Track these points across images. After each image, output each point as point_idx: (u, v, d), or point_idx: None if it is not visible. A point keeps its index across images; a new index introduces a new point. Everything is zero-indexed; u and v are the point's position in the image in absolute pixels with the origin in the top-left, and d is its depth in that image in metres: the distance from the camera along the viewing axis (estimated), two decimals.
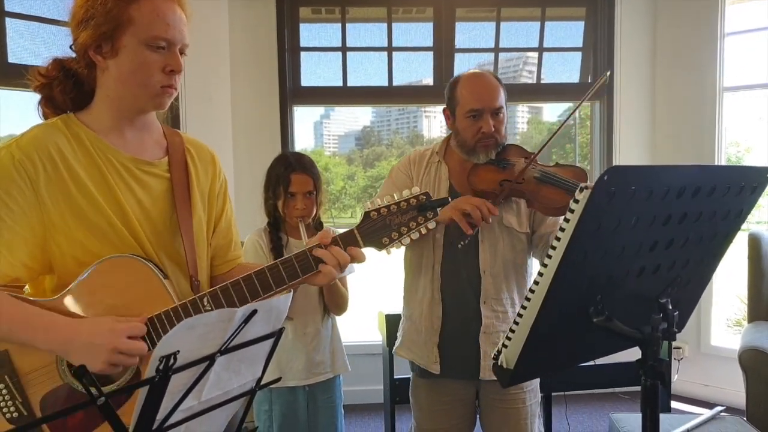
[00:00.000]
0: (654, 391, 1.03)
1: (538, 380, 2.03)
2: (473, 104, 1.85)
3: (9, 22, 2.90)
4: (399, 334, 2.08)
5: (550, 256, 0.95)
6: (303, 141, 4.01)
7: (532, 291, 0.99)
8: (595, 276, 1.01)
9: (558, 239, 0.93)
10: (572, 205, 0.91)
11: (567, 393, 3.12)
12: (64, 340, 1.11)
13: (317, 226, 2.23)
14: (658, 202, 0.96)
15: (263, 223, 2.26)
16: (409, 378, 2.37)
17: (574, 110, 2.04)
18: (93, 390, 0.77)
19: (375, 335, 3.23)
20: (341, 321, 2.33)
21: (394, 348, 2.09)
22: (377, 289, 3.81)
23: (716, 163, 3.82)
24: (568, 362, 1.20)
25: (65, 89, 1.28)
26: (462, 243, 1.80)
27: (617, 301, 1.05)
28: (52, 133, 1.23)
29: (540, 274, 0.97)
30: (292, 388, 2.15)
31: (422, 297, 1.95)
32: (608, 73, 1.86)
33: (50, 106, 1.30)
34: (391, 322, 2.58)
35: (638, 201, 0.93)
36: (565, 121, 1.95)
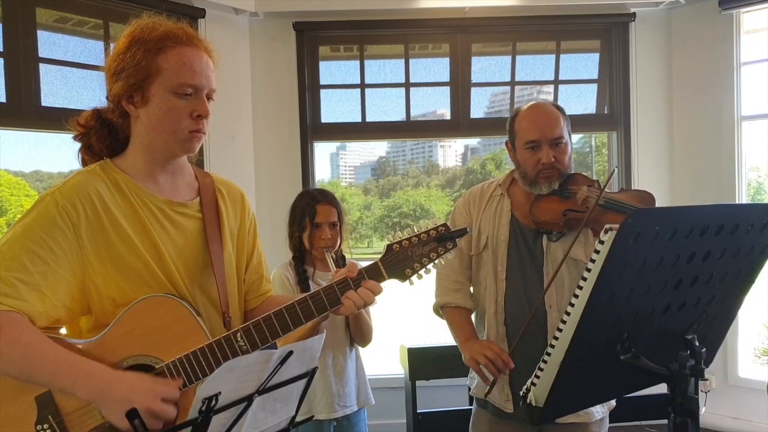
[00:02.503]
0: (684, 429, 1.03)
1: (607, 415, 1.95)
2: (531, 135, 1.83)
3: (42, 67, 3.02)
4: (472, 374, 1.98)
5: (576, 296, 0.97)
6: (320, 172, 4.07)
7: (559, 330, 1.01)
8: (621, 314, 1.02)
9: (584, 279, 0.96)
10: (597, 246, 0.93)
11: None
12: (103, 389, 1.13)
13: (339, 259, 2.27)
14: (682, 241, 0.99)
15: (285, 256, 2.30)
16: (432, 412, 2.37)
17: (603, 188, 1.79)
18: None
19: (396, 368, 3.23)
20: (362, 353, 2.35)
21: (472, 390, 2.00)
22: (398, 321, 3.81)
23: (737, 190, 3.81)
24: (596, 399, 1.20)
25: (101, 137, 1.35)
26: (485, 396, 1.77)
27: (644, 338, 1.06)
28: (92, 179, 1.28)
29: (567, 313, 0.99)
30: (320, 422, 2.16)
31: (487, 332, 1.90)
32: (616, 168, 1.85)
33: (89, 153, 1.37)
34: (414, 355, 2.58)
35: (662, 241, 0.95)
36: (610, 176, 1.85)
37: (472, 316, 1.99)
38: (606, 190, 1.79)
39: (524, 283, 1.85)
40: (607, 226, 0.92)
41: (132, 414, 0.77)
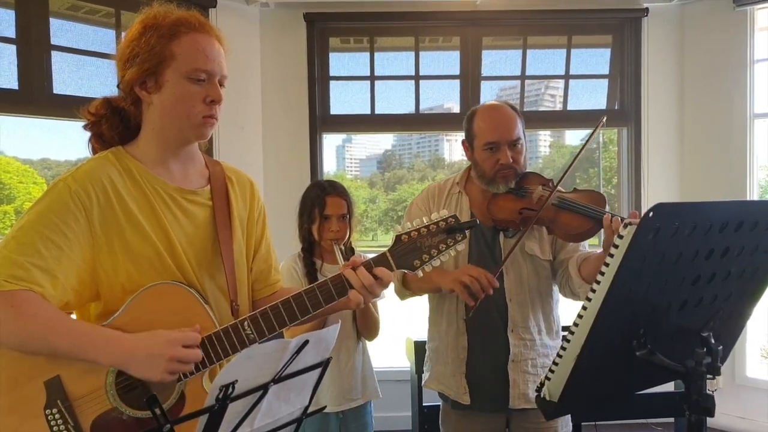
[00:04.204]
0: (699, 427, 1.03)
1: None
2: (490, 137, 1.88)
3: (54, 55, 3.03)
4: (426, 367, 2.08)
5: (594, 290, 0.97)
6: (326, 165, 4.10)
7: (576, 324, 1.00)
8: (638, 309, 1.02)
9: (602, 273, 0.95)
10: (617, 241, 0.93)
11: (598, 423, 3.08)
12: (125, 352, 1.16)
13: (348, 252, 2.27)
14: (701, 237, 0.98)
15: (292, 247, 2.30)
16: (437, 405, 2.37)
17: (578, 153, 1.94)
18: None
19: (402, 361, 3.23)
20: (368, 346, 2.35)
21: (424, 381, 2.08)
22: (404, 315, 3.81)
23: (747, 189, 3.79)
24: (611, 395, 1.20)
25: (112, 125, 1.35)
26: (466, 317, 1.83)
27: (660, 334, 1.06)
28: (105, 165, 1.29)
29: (584, 307, 0.99)
30: (325, 414, 2.16)
31: (447, 328, 1.95)
32: (604, 118, 1.88)
33: (99, 141, 1.37)
34: (420, 348, 2.58)
35: (682, 236, 0.95)
36: (579, 152, 1.93)
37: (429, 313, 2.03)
38: (560, 189, 1.86)
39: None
40: (626, 220, 0.92)
41: (151, 400, 0.77)
